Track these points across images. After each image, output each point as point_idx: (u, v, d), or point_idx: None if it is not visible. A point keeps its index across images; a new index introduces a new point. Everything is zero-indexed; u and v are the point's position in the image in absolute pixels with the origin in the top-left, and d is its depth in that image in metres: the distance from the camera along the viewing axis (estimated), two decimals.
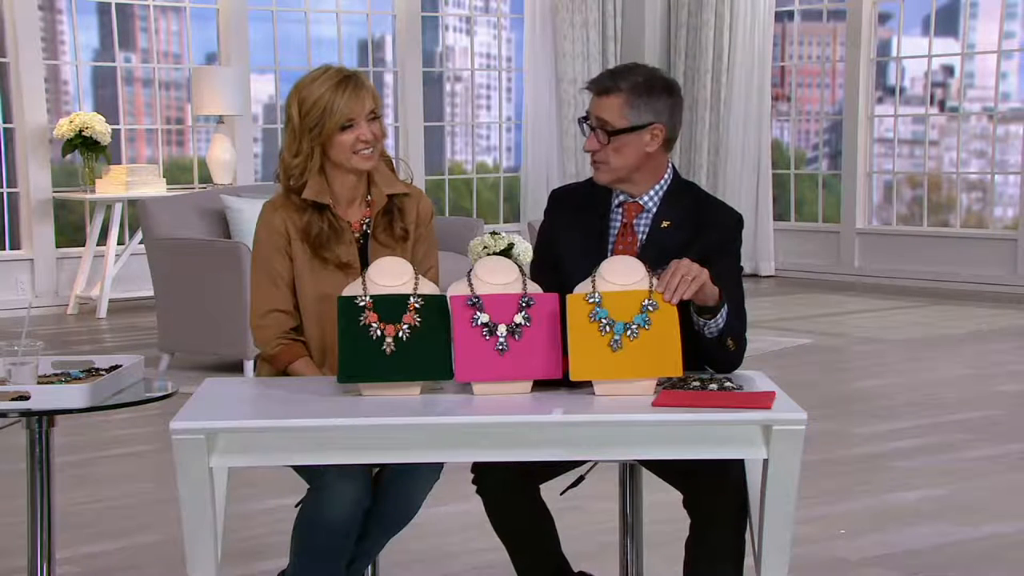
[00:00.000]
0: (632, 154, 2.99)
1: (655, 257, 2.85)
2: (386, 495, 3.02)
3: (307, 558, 2.93)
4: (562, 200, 3.16)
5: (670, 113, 3.02)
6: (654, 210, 3.05)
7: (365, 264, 3.13)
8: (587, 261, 2.82)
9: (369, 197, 3.22)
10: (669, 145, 3.05)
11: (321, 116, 3.09)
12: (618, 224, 3.06)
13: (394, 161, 3.29)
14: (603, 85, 3.00)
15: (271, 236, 3.18)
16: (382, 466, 3.02)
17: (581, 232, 3.05)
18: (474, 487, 2.97)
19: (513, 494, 2.94)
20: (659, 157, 3.04)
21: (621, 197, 3.07)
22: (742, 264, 3.07)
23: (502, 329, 2.70)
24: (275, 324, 3.16)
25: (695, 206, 3.06)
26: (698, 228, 3.01)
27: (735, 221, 3.07)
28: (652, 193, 3.05)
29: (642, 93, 2.99)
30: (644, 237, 3.03)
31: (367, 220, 3.21)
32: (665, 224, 3.03)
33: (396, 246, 3.18)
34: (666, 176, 3.07)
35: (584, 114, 3.05)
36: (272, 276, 3.17)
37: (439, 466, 3.06)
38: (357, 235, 3.20)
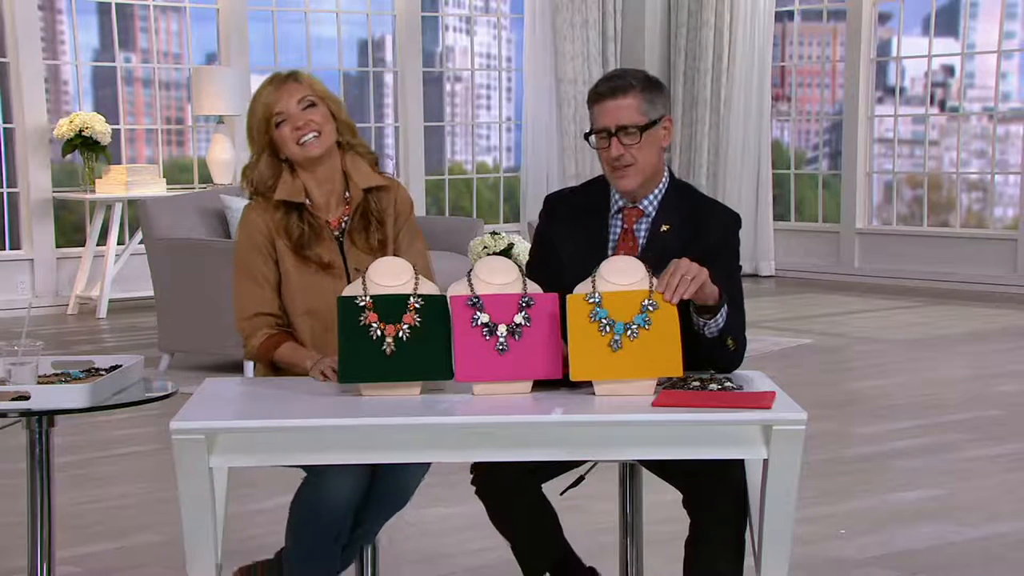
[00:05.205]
0: (653, 151, 2.99)
1: (656, 261, 2.83)
2: (379, 482, 3.00)
3: (304, 541, 2.93)
4: (559, 206, 3.13)
5: (670, 106, 3.04)
6: (654, 214, 3.05)
7: (347, 263, 3.12)
8: (589, 269, 2.80)
9: (347, 194, 3.19)
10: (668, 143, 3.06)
11: (257, 118, 3.11)
12: (619, 230, 3.05)
13: (380, 159, 3.26)
14: (616, 85, 2.97)
15: (253, 237, 3.15)
16: None
17: (583, 239, 3.02)
18: (472, 488, 2.97)
19: (514, 494, 2.94)
20: (663, 157, 3.05)
21: (621, 202, 3.06)
22: (740, 263, 3.07)
23: (502, 329, 2.69)
24: (262, 325, 3.15)
25: (692, 208, 3.06)
26: (697, 230, 3.01)
27: (733, 221, 3.07)
28: (652, 197, 3.05)
29: (651, 87, 3.01)
30: (644, 242, 3.03)
31: (347, 218, 3.18)
32: (664, 228, 3.02)
33: (373, 255, 3.09)
34: (664, 179, 3.07)
35: (591, 128, 2.99)
36: (255, 277, 3.15)
37: None
38: (336, 233, 3.17)
